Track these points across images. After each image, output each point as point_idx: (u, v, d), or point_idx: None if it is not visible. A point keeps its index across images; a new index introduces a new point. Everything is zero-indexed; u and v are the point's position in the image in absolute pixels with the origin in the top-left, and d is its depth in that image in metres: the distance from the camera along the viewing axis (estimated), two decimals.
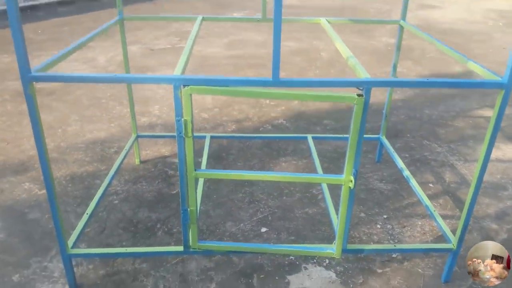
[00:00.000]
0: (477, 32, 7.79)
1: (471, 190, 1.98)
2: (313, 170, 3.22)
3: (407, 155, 3.51)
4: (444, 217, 2.76)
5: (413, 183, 2.69)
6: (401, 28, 2.88)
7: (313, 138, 3.21)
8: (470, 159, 3.50)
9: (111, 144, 3.55)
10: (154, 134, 3.48)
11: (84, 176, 3.10)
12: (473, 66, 1.99)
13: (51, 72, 1.79)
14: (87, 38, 2.25)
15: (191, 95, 1.71)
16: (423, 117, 4.27)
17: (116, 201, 2.83)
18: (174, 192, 2.94)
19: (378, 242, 2.53)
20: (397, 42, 2.93)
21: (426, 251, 2.35)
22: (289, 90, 1.71)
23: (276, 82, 1.70)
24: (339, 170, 3.27)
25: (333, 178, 1.90)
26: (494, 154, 3.55)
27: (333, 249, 2.05)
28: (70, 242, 2.10)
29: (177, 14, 8.66)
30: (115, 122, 3.95)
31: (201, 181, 2.63)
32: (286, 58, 6.00)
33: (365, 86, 1.71)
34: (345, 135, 3.40)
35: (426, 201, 2.51)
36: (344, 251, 2.08)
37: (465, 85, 1.80)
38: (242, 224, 2.64)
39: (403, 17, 2.85)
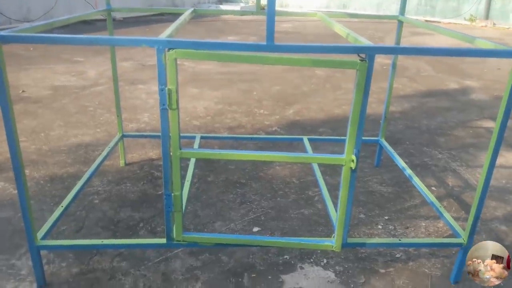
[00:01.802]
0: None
1: (481, 181, 1.82)
2: (309, 173, 3.04)
3: (407, 161, 3.35)
4: None
5: (417, 181, 2.52)
6: (400, 23, 2.78)
7: (309, 140, 3.05)
8: (472, 165, 3.34)
9: (95, 148, 3.36)
10: (140, 134, 3.31)
11: (65, 177, 2.90)
12: (482, 43, 1.86)
13: (19, 33, 1.62)
14: (69, 17, 2.11)
15: (176, 60, 1.55)
16: (422, 127, 4.14)
17: (97, 201, 2.62)
18: (160, 192, 2.74)
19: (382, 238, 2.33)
20: (396, 38, 2.83)
21: (435, 246, 2.16)
22: (286, 55, 1.56)
23: (271, 46, 1.55)
24: (334, 172, 3.09)
25: (332, 157, 1.73)
26: (497, 161, 3.39)
27: (332, 242, 1.85)
28: (40, 233, 1.88)
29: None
30: (101, 127, 3.78)
31: (189, 173, 2.44)
32: (280, 74, 5.92)
33: (368, 53, 1.56)
34: (341, 137, 3.25)
35: (432, 198, 2.34)
36: (345, 245, 1.88)
37: (475, 53, 1.66)
38: (232, 224, 2.43)
39: (402, 12, 2.76)
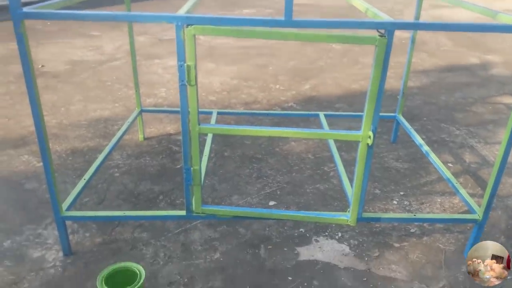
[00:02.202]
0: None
1: (498, 158, 1.81)
2: (325, 149, 3.06)
3: (424, 137, 3.33)
4: None
5: (433, 158, 2.52)
6: None
7: (325, 115, 3.05)
8: (490, 141, 3.31)
9: (114, 122, 3.42)
10: (158, 109, 3.35)
11: (85, 151, 2.97)
12: (504, 18, 1.82)
13: (38, 9, 1.65)
14: None
15: (195, 36, 1.57)
16: (440, 103, 4.09)
17: (117, 174, 2.69)
18: (179, 166, 2.79)
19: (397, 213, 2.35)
20: (416, 12, 2.76)
21: (450, 222, 2.18)
22: (304, 31, 1.56)
23: (289, 22, 1.55)
24: (350, 148, 3.10)
25: (349, 134, 1.74)
26: None
27: (347, 216, 1.89)
28: (65, 205, 1.96)
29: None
30: (119, 102, 3.83)
31: (207, 148, 2.49)
32: (296, 48, 5.86)
33: (388, 28, 1.55)
34: (358, 113, 3.24)
35: (448, 175, 2.34)
36: (360, 219, 1.91)
37: (501, 29, 1.63)
38: (249, 198, 2.48)
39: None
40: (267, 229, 2.20)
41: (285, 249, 2.08)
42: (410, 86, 4.43)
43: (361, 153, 1.72)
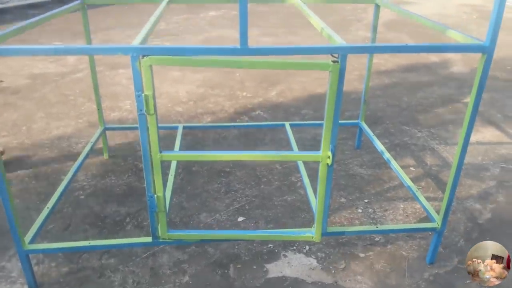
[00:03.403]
0: (452, 24, 7.83)
1: (454, 165, 1.89)
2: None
3: (387, 141, 3.43)
4: (427, 199, 2.66)
5: (394, 165, 2.60)
6: (377, 7, 2.79)
7: (291, 125, 3.09)
8: (450, 142, 3.43)
9: (78, 140, 3.36)
10: (123, 126, 3.31)
11: (49, 173, 2.91)
12: (453, 34, 1.89)
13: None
14: (43, 17, 2.09)
15: (151, 67, 1.56)
16: (402, 104, 4.20)
17: (82, 196, 2.65)
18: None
19: (360, 226, 2.42)
20: (373, 21, 2.84)
21: (410, 231, 2.26)
22: (259, 58, 1.58)
23: (245, 50, 1.56)
24: None
25: (309, 154, 1.78)
26: (474, 137, 3.50)
27: (312, 232, 1.93)
28: (28, 237, 1.92)
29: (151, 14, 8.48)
30: (83, 118, 3.76)
31: (173, 166, 2.48)
32: None
33: (341, 53, 1.59)
34: (322, 121, 3.29)
35: (408, 182, 2.42)
36: (324, 234, 1.95)
37: (448, 49, 1.71)
38: (218, 215, 2.50)
39: None
40: (236, 247, 2.22)
41: (254, 267, 2.10)
42: (373, 88, 4.53)
43: (321, 173, 1.75)
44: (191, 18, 8.06)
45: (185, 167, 3.00)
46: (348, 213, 2.53)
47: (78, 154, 3.14)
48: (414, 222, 2.46)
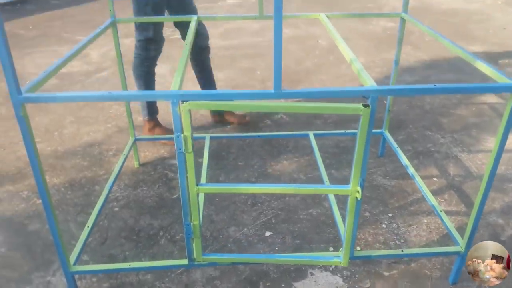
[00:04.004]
0: (476, 11, 7.65)
1: (480, 195, 1.94)
2: (316, 168, 3.17)
3: (410, 148, 3.46)
4: (449, 213, 2.73)
5: (418, 180, 2.65)
6: (403, 21, 2.80)
7: (315, 135, 3.15)
8: (473, 149, 3.45)
9: (109, 147, 3.49)
10: (153, 137, 3.41)
11: (83, 183, 3.05)
12: (481, 66, 1.92)
13: (40, 92, 1.71)
14: (78, 47, 2.18)
15: (190, 110, 1.64)
16: (425, 106, 4.20)
17: (117, 208, 2.79)
18: (175, 196, 2.89)
19: (384, 242, 2.50)
20: (399, 34, 2.85)
21: (434, 255, 2.33)
22: (292, 103, 1.64)
23: (278, 94, 1.63)
24: (340, 165, 3.22)
25: (339, 189, 1.85)
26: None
27: (340, 257, 2.02)
28: (72, 258, 2.06)
29: None
30: (112, 122, 3.88)
31: (204, 166, 2.59)
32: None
33: (370, 95, 1.64)
34: (347, 131, 3.35)
35: (432, 200, 2.47)
36: (351, 258, 2.04)
37: (477, 90, 1.74)
38: (245, 229, 2.60)
39: (405, 9, 2.77)
40: (265, 264, 2.33)
41: (283, 285, 2.21)
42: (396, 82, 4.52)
43: (350, 206, 1.83)
44: (209, 7, 8.04)
45: (212, 177, 3.10)
46: (373, 228, 2.61)
47: (110, 162, 3.28)
48: (438, 239, 2.53)
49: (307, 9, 7.94)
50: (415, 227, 2.62)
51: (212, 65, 3.78)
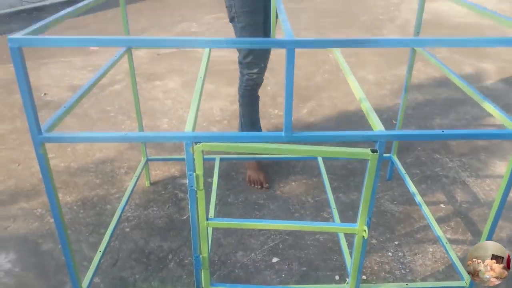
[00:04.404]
0: (488, 26, 7.63)
1: (487, 226, 1.96)
2: (323, 190, 3.21)
3: (418, 171, 3.49)
4: (455, 242, 2.75)
5: (424, 208, 2.68)
6: (413, 51, 2.83)
7: (323, 158, 3.19)
8: (481, 174, 3.46)
9: (120, 164, 3.56)
10: (165, 157, 3.48)
11: (95, 201, 3.12)
12: (489, 108, 1.95)
13: (59, 132, 1.77)
14: (97, 78, 2.25)
15: (203, 151, 1.69)
16: (434, 127, 4.22)
17: (128, 229, 2.85)
18: (185, 217, 2.95)
19: (390, 271, 2.53)
20: (409, 62, 2.88)
21: None
22: (302, 146, 1.69)
23: (289, 137, 1.67)
24: (348, 188, 3.26)
25: (347, 227, 1.89)
26: (504, 167, 3.51)
27: None
28: (85, 284, 2.12)
29: (184, 8, 8.58)
30: None
31: (214, 188, 2.64)
32: None
33: (379, 140, 1.68)
34: (355, 158, 3.37)
35: (438, 230, 2.50)
36: None
37: (485, 136, 1.77)
38: (253, 254, 2.65)
39: None
40: None
41: None
42: (405, 107, 4.54)
43: (357, 244, 1.87)
44: (221, 18, 8.11)
45: (221, 198, 3.15)
46: (379, 256, 2.64)
47: (121, 180, 3.35)
48: (443, 269, 2.55)
49: (317, 20, 7.98)
50: (420, 256, 2.65)
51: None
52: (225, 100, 4.75)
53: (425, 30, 7.18)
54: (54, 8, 8.93)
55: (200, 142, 1.68)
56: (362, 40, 1.53)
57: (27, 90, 1.54)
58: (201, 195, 1.80)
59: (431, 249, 2.70)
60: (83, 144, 3.85)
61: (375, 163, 1.67)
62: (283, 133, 1.68)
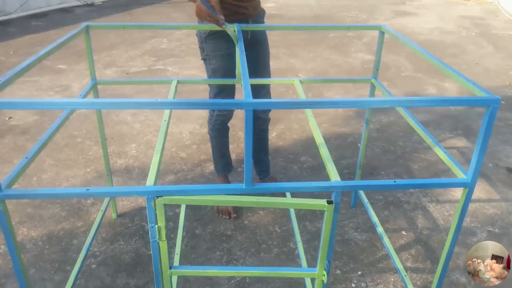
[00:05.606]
0: (451, 44, 7.93)
1: (442, 260, 2.03)
2: (289, 219, 3.27)
3: (381, 197, 3.60)
4: (416, 270, 2.86)
5: (385, 240, 2.78)
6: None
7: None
8: (441, 199, 3.61)
9: None
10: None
11: (61, 236, 3.08)
12: (440, 154, 2.05)
13: (19, 189, 1.76)
14: (61, 120, 2.24)
15: (164, 205, 1.72)
16: (397, 150, 4.36)
17: (94, 265, 2.83)
18: (151, 252, 2.95)
19: None
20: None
21: None
22: (261, 198, 1.74)
23: (250, 189, 1.73)
24: (315, 217, 3.33)
25: (306, 272, 1.96)
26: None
27: None
28: None
29: (152, 30, 8.53)
30: (91, 166, 3.92)
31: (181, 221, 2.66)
32: None
33: (334, 190, 1.75)
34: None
35: (397, 262, 2.60)
36: None
37: (433, 186, 1.87)
38: None
39: (375, 75, 2.91)
40: None
41: None
42: (370, 128, 4.68)
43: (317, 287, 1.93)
44: (192, 34, 8.11)
45: (189, 229, 3.17)
46: (342, 287, 2.72)
47: (88, 212, 3.32)
48: None
49: (287, 37, 8.10)
50: (382, 286, 2.74)
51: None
52: (195, 122, 4.77)
53: (390, 47, 7.42)
54: (21, 20, 8.75)
55: (161, 196, 1.71)
56: (317, 102, 1.61)
57: None
58: (163, 246, 1.83)
59: (392, 279, 2.80)
60: (50, 172, 3.80)
61: (331, 214, 1.74)
62: (243, 185, 1.73)
